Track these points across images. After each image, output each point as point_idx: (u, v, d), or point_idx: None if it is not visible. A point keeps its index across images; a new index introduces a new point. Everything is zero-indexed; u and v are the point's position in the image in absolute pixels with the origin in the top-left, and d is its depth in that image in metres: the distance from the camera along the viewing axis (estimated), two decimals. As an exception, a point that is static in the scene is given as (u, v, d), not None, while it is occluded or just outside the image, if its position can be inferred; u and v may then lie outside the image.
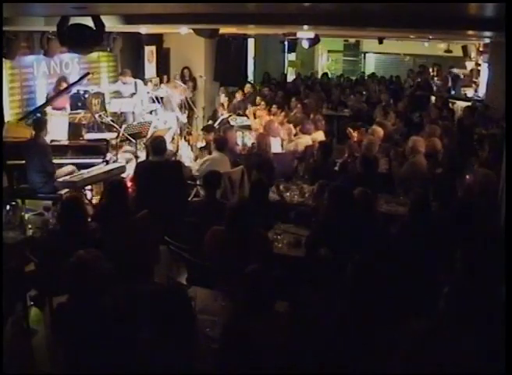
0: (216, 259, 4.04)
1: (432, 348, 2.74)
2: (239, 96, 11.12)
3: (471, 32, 7.27)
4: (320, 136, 8.25)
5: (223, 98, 11.00)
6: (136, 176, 5.93)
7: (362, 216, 4.39)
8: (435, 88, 14.01)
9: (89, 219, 4.67)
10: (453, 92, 13.50)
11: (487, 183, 5.13)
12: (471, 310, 2.82)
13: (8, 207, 5.00)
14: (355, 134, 7.65)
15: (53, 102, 8.06)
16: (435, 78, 14.76)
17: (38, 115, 7.58)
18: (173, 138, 9.55)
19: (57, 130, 7.09)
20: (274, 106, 9.90)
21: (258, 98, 10.72)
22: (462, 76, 14.35)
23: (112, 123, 8.10)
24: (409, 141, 6.61)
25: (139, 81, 9.96)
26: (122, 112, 9.28)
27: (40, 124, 6.58)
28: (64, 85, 8.30)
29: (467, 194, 5.30)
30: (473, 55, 13.96)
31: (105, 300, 3.01)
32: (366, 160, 6.03)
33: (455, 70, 14.88)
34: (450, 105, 11.60)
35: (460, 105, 11.69)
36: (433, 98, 12.45)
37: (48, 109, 7.91)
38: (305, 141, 8.03)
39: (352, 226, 4.18)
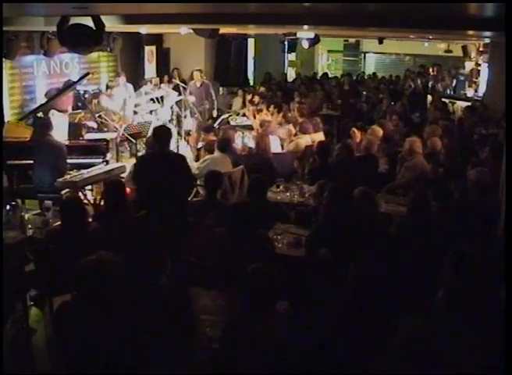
0: (216, 260, 4.03)
1: (431, 347, 2.74)
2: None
3: (471, 32, 7.26)
4: (320, 136, 8.24)
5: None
6: (139, 167, 5.63)
7: (362, 215, 4.39)
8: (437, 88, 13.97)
9: (89, 219, 4.67)
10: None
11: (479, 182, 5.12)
12: (471, 309, 2.82)
13: (8, 207, 4.98)
14: (359, 134, 7.63)
15: (54, 102, 8.04)
16: (439, 78, 14.70)
17: (38, 116, 7.57)
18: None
19: (57, 130, 7.08)
20: (259, 106, 9.96)
21: (257, 98, 10.72)
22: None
23: (110, 122, 8.10)
24: (406, 143, 6.57)
25: (129, 85, 9.89)
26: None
27: (48, 124, 6.59)
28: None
29: (466, 193, 5.29)
30: (473, 55, 13.94)
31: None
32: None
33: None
34: (450, 105, 11.58)
35: (460, 105, 11.68)
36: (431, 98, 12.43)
37: (51, 111, 7.90)
38: (305, 140, 8.02)
39: (352, 226, 4.18)
